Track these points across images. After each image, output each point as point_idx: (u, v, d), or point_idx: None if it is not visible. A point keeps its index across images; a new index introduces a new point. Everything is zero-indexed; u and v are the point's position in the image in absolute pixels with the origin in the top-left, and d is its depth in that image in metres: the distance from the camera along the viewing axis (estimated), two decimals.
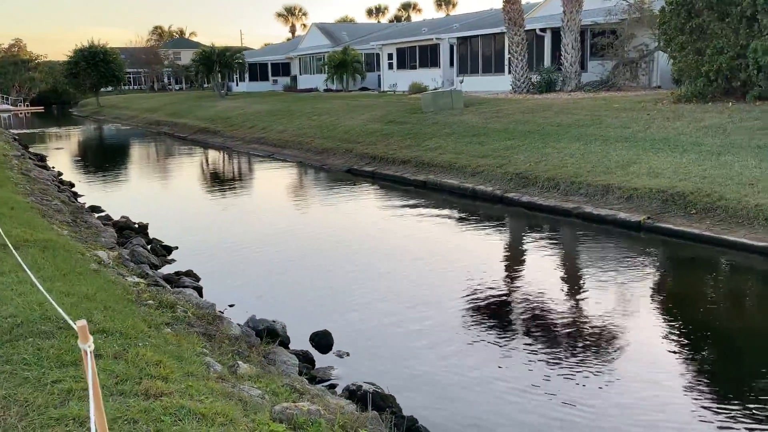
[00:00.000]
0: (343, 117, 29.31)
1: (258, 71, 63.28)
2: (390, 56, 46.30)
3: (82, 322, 2.03)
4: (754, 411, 6.29)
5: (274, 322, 8.16)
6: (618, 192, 14.25)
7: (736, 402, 6.50)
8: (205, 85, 66.32)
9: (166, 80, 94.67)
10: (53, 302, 3.21)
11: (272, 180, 23.07)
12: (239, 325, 7.86)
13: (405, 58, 44.98)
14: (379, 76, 48.62)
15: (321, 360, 7.73)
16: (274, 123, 32.36)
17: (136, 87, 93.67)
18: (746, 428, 6.01)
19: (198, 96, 55.71)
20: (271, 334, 7.73)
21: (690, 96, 21.16)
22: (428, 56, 42.83)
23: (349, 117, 29.02)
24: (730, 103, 19.52)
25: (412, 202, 17.16)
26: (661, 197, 13.37)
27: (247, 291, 10.32)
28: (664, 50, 24.65)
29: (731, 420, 6.17)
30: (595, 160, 16.26)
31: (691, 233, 12.05)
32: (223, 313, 8.56)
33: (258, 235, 14.28)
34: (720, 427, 6.08)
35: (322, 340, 8.18)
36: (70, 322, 2.13)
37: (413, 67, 43.92)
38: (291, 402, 4.98)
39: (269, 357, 6.83)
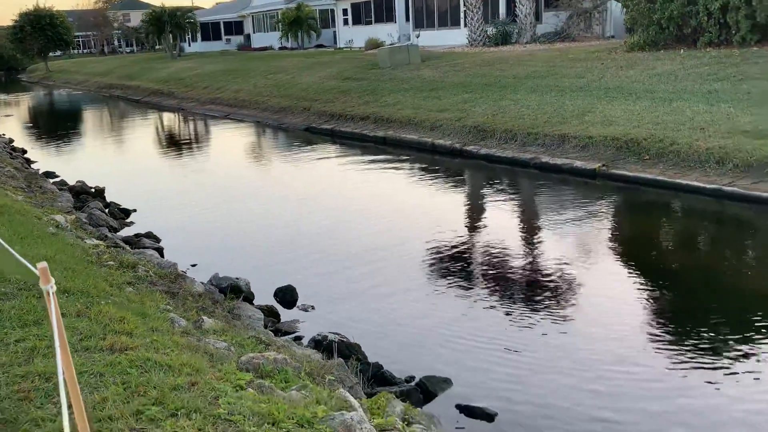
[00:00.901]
0: (300, 75, 29.00)
1: (210, 31, 61.99)
2: (345, 12, 45.71)
3: (43, 264, 2.05)
4: (710, 351, 6.55)
5: (237, 279, 8.19)
6: (574, 141, 14.43)
7: (692, 342, 6.75)
8: (157, 47, 64.87)
9: (116, 43, 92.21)
10: (13, 252, 3.20)
11: (230, 140, 22.83)
12: (202, 283, 7.87)
13: (360, 14, 44.45)
14: (334, 32, 48.03)
15: (286, 314, 7.81)
16: (229, 83, 31.87)
17: (85, 51, 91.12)
18: (702, 368, 6.26)
19: (150, 58, 54.45)
20: (235, 291, 7.77)
21: (642, 44, 21.37)
22: (384, 11, 42.37)
23: (305, 75, 28.72)
24: (682, 50, 19.78)
25: (372, 158, 17.17)
26: (616, 144, 13.59)
27: (209, 250, 10.30)
28: (617, 0, 24.77)
29: (687, 361, 6.42)
30: (551, 111, 16.41)
31: (645, 178, 12.32)
32: (185, 272, 8.55)
33: (218, 195, 14.19)
34: (673, 367, 6.32)
35: (287, 295, 8.24)
36: (30, 267, 2.14)
37: (369, 23, 43.44)
38: (257, 352, 5.05)
39: (234, 312, 6.88)
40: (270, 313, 7.59)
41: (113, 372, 3.91)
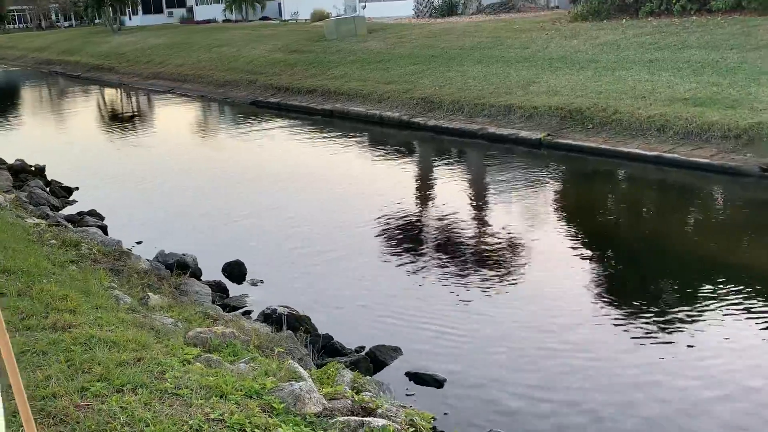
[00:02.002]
0: (245, 48, 28.54)
1: (152, 4, 60.39)
2: None
3: None
4: (653, 315, 6.76)
5: (184, 255, 8.09)
6: (519, 111, 14.58)
7: (635, 307, 6.95)
8: (97, 21, 62.84)
9: (54, 17, 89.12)
10: None
11: (173, 115, 22.40)
12: (148, 260, 7.76)
13: None
14: (279, 4, 47.28)
15: (235, 289, 7.76)
16: (171, 57, 31.19)
17: (21, 26, 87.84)
18: (645, 332, 6.45)
19: (89, 32, 52.83)
20: (181, 267, 7.68)
21: (586, 14, 21.63)
22: None
23: (251, 47, 28.28)
24: (624, 20, 20.08)
25: (319, 131, 17.07)
26: (560, 114, 13.78)
27: (155, 227, 10.15)
28: None
29: (630, 326, 6.60)
30: (497, 82, 16.52)
31: (589, 147, 12.54)
32: (130, 250, 8.41)
33: (162, 172, 13.96)
34: (617, 332, 6.50)
35: (235, 270, 8.19)
36: None
37: None
38: (205, 327, 5.02)
39: (181, 288, 6.81)
40: (218, 288, 7.53)
41: (56, 350, 3.85)
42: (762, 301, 6.66)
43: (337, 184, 12.05)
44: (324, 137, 16.30)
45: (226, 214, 10.62)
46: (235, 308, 7.05)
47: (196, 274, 7.83)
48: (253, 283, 7.92)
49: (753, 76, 13.18)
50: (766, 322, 6.26)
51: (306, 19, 38.98)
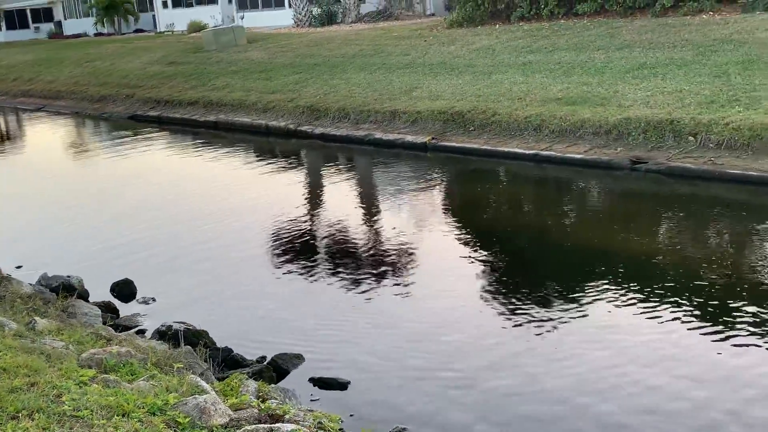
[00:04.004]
0: (120, 61, 27.61)
1: (16, 19, 57.26)
2: None
3: None
4: (538, 305, 7.07)
5: (69, 277, 7.75)
6: (404, 117, 14.86)
7: (521, 299, 7.25)
8: None
9: None
10: None
11: (45, 134, 21.33)
12: (30, 284, 7.39)
13: None
14: (154, 16, 46.04)
15: (126, 309, 7.51)
16: (41, 73, 29.73)
17: None
18: (532, 322, 6.74)
19: None
20: (67, 289, 7.35)
21: (461, 21, 22.33)
22: None
23: (126, 61, 27.39)
24: (497, 25, 20.88)
25: (204, 144, 16.76)
26: (443, 118, 14.15)
27: (34, 251, 9.65)
28: None
29: (519, 317, 6.88)
30: (380, 88, 16.78)
31: (472, 148, 12.96)
32: (10, 275, 7.97)
33: (36, 194, 13.29)
34: (506, 324, 6.77)
35: (124, 289, 7.93)
36: None
37: (190, 5, 42.07)
38: (99, 348, 4.85)
39: (69, 311, 6.53)
40: (108, 308, 7.27)
41: None
42: (639, 284, 7.10)
43: (226, 196, 11.87)
44: (209, 149, 16.02)
45: (111, 233, 10.24)
46: (127, 328, 6.83)
47: (84, 295, 7.52)
48: (145, 302, 7.70)
49: (619, 75, 14.03)
50: (645, 305, 6.68)
51: (183, 31, 38.16)
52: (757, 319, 6.20)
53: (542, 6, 20.64)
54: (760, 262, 7.63)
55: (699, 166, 10.34)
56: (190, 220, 10.63)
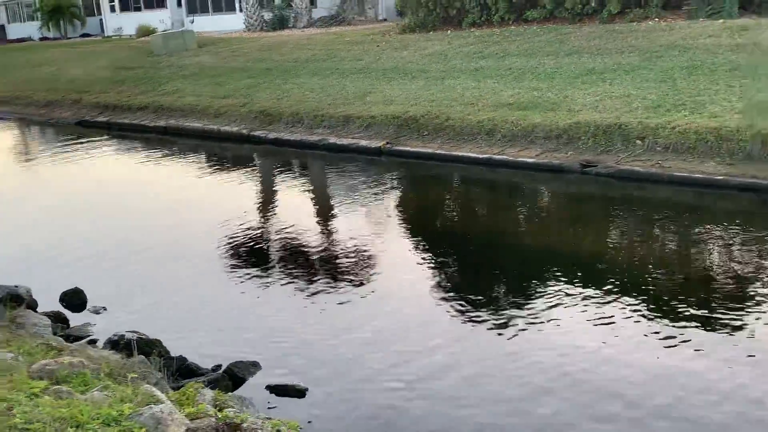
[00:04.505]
0: (67, 66, 27.03)
1: None
2: None
3: None
4: (492, 305, 7.14)
5: (16, 287, 7.52)
6: (358, 121, 14.87)
7: (473, 299, 7.31)
8: None
9: None
10: None
11: None
12: None
13: (128, 0, 42.23)
14: (101, 20, 45.19)
15: (76, 318, 7.34)
16: None
17: None
18: (483, 321, 6.80)
19: None
20: (15, 299, 7.14)
21: (413, 26, 22.47)
22: None
23: (73, 66, 26.83)
24: (449, 31, 21.06)
25: (154, 149, 16.50)
26: (397, 122, 14.21)
27: None
28: None
29: (471, 316, 6.94)
30: (334, 93, 16.76)
31: (426, 152, 13.03)
32: None
33: None
34: (461, 324, 6.82)
35: (74, 299, 7.75)
36: None
37: (138, 9, 41.44)
38: (50, 359, 4.73)
39: (17, 322, 6.35)
40: (58, 318, 7.10)
41: None
42: (587, 285, 7.23)
43: (177, 203, 11.71)
44: (159, 155, 15.78)
45: (58, 241, 10.00)
46: (79, 338, 6.68)
47: (32, 305, 7.32)
48: (96, 311, 7.53)
49: (568, 80, 14.28)
50: (592, 306, 6.80)
51: (131, 35, 37.56)
52: (699, 318, 6.37)
53: (493, 12, 20.91)
54: (704, 263, 7.84)
55: (647, 169, 10.58)
56: (140, 227, 10.45)
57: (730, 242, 8.32)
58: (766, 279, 7.16)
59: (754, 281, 7.12)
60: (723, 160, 10.23)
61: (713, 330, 6.17)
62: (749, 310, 6.48)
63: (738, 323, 6.24)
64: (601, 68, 14.73)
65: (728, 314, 6.40)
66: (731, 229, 8.70)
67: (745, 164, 10.02)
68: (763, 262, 7.64)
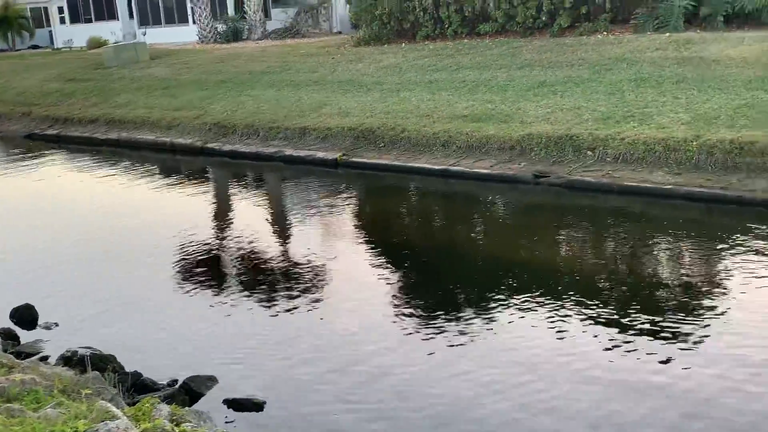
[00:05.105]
0: (15, 78, 26.42)
1: None
2: (61, 10, 42.39)
3: None
4: (445, 319, 7.20)
5: None
6: (314, 133, 14.87)
7: (429, 314, 7.37)
8: None
9: None
10: None
11: None
12: None
13: (78, 12, 41.55)
14: (50, 32, 44.28)
15: (28, 335, 7.20)
16: None
17: None
18: (442, 336, 6.86)
19: None
20: None
21: (368, 39, 22.57)
22: (105, 9, 40.05)
23: (21, 78, 26.24)
24: (404, 44, 21.23)
25: (106, 162, 16.26)
26: (353, 134, 14.25)
27: None
28: None
29: (426, 329, 6.99)
30: (289, 105, 16.74)
31: (382, 164, 13.10)
32: None
33: None
34: (414, 337, 6.87)
35: (25, 315, 7.59)
36: None
37: (89, 21, 40.77)
38: (1, 376, 4.63)
39: None
40: (8, 336, 6.95)
41: None
42: (539, 293, 7.35)
43: (128, 216, 11.54)
44: (111, 168, 15.54)
45: (7, 257, 9.78)
46: (30, 354, 6.54)
47: None
48: (47, 327, 7.39)
49: (521, 93, 14.51)
50: (543, 313, 6.91)
51: (82, 47, 36.94)
52: (646, 323, 6.53)
53: (446, 26, 21.14)
54: (651, 270, 8.04)
55: (598, 179, 10.80)
56: (92, 241, 10.29)
57: (677, 250, 8.55)
58: (709, 285, 7.38)
59: (698, 287, 7.34)
60: (671, 170, 10.50)
61: (659, 335, 6.33)
62: (695, 314, 6.67)
63: (684, 328, 6.41)
64: (552, 81, 15.01)
65: (673, 319, 6.58)
66: (678, 237, 8.94)
67: (692, 174, 10.30)
68: (707, 269, 7.87)
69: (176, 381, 6.05)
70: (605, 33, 18.78)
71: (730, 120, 11.10)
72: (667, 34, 17.21)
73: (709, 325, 6.47)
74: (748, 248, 8.11)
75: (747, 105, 11.54)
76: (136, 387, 5.90)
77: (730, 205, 9.60)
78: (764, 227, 8.74)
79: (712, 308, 6.79)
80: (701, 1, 18.12)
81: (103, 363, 6.06)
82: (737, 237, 8.48)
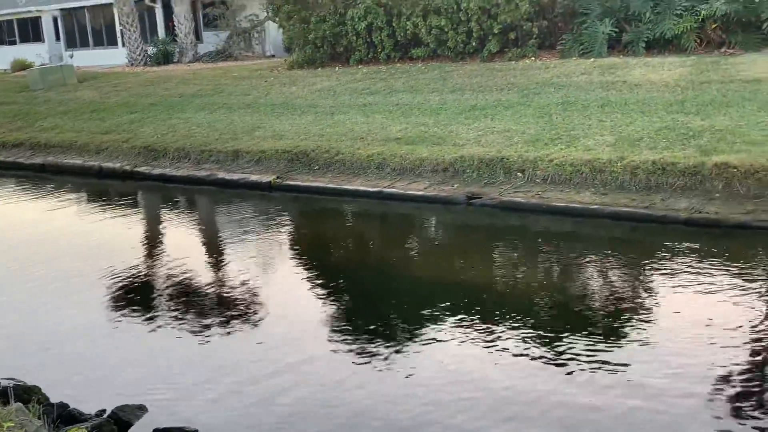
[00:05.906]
0: None
1: None
2: None
3: None
4: (381, 343, 7.21)
5: None
6: (247, 156, 14.76)
7: (363, 338, 7.37)
8: None
9: None
10: None
11: None
12: None
13: (2, 34, 40.41)
14: None
15: None
16: None
17: None
18: (379, 359, 6.86)
19: None
20: None
21: (301, 62, 22.65)
22: (30, 30, 39.06)
23: None
24: (337, 68, 21.37)
25: (29, 188, 15.74)
26: (287, 157, 14.20)
27: None
28: (273, 20, 25.86)
29: (363, 350, 6.99)
30: (222, 128, 16.59)
31: (317, 187, 13.08)
32: None
33: None
34: (353, 359, 6.85)
35: None
36: None
37: (13, 43, 39.71)
38: None
39: None
40: None
41: None
42: (473, 314, 7.45)
43: (51, 242, 11.18)
44: (34, 193, 15.05)
45: None
46: None
47: None
48: None
49: (453, 116, 14.76)
50: (475, 335, 7.00)
51: (6, 70, 35.86)
52: (572, 341, 6.69)
53: (379, 50, 21.39)
54: (578, 288, 8.24)
55: (528, 200, 11.04)
56: (14, 269, 9.92)
57: (602, 268, 8.79)
58: (633, 302, 7.60)
59: (624, 303, 7.55)
60: (597, 190, 10.82)
61: (576, 354, 6.48)
62: (622, 331, 6.86)
63: (610, 345, 6.58)
64: (483, 104, 15.32)
65: (599, 336, 6.75)
66: (605, 255, 9.19)
67: (617, 194, 10.63)
68: (631, 285, 8.11)
69: (104, 411, 5.87)
70: (533, 58, 19.32)
71: (652, 142, 11.52)
72: (592, 59, 17.82)
73: (621, 346, 6.64)
74: (671, 266, 8.39)
75: (667, 127, 12.02)
76: (62, 418, 5.69)
77: (654, 223, 9.93)
78: (687, 245, 9.07)
79: (632, 325, 6.98)
80: (624, 28, 18.85)
81: (27, 394, 5.84)
82: (661, 255, 8.78)
